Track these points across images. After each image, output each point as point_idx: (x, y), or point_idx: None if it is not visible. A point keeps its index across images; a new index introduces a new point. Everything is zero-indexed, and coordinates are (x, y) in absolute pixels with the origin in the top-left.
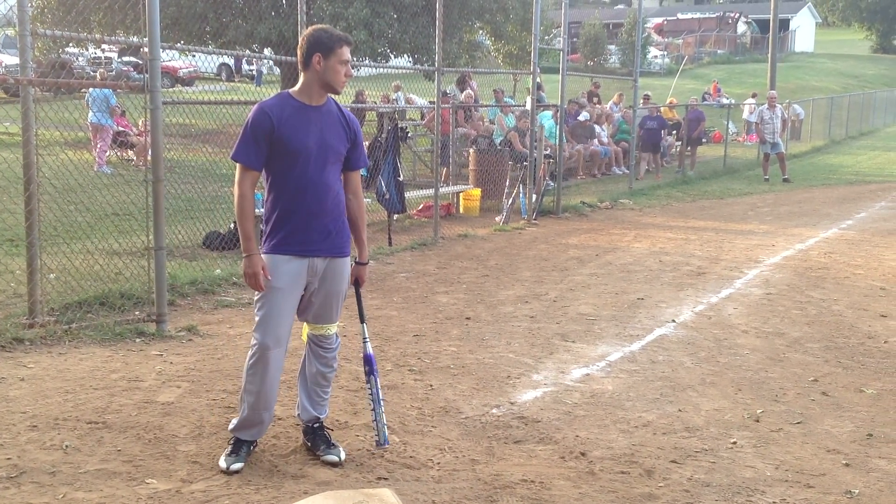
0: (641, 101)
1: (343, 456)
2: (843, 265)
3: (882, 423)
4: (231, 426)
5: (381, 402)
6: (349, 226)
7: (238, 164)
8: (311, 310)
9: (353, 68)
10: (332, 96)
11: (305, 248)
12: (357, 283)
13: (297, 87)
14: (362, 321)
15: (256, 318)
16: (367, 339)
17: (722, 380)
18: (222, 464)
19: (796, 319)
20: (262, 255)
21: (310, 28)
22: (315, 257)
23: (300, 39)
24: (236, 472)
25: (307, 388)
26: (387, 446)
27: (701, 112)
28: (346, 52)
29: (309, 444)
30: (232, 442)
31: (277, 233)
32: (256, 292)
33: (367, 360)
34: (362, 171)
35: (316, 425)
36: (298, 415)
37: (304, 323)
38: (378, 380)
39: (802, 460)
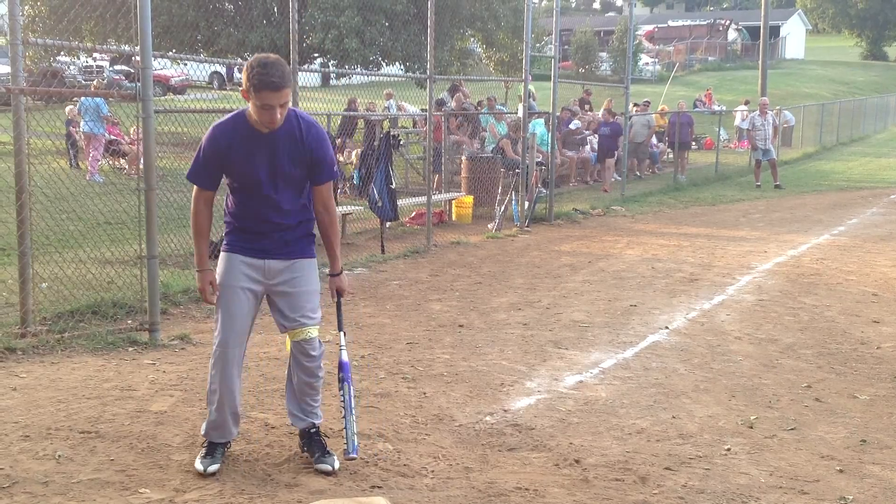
0: (634, 108)
1: (337, 465)
2: (836, 271)
3: (875, 429)
4: (202, 430)
5: (353, 411)
6: (322, 237)
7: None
8: (282, 312)
9: (344, 76)
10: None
11: (261, 253)
12: (338, 293)
13: (250, 109)
14: (340, 329)
15: (216, 319)
16: (344, 347)
17: (715, 386)
18: (199, 466)
19: (789, 325)
20: (221, 253)
21: (255, 56)
22: (271, 259)
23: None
24: (213, 473)
25: (296, 398)
26: (354, 456)
27: (689, 116)
28: (265, 97)
29: (305, 450)
30: (205, 445)
31: (234, 233)
32: (216, 298)
33: (342, 367)
34: (354, 179)
35: (312, 430)
36: (292, 423)
37: (287, 334)
38: (352, 388)
39: (796, 467)
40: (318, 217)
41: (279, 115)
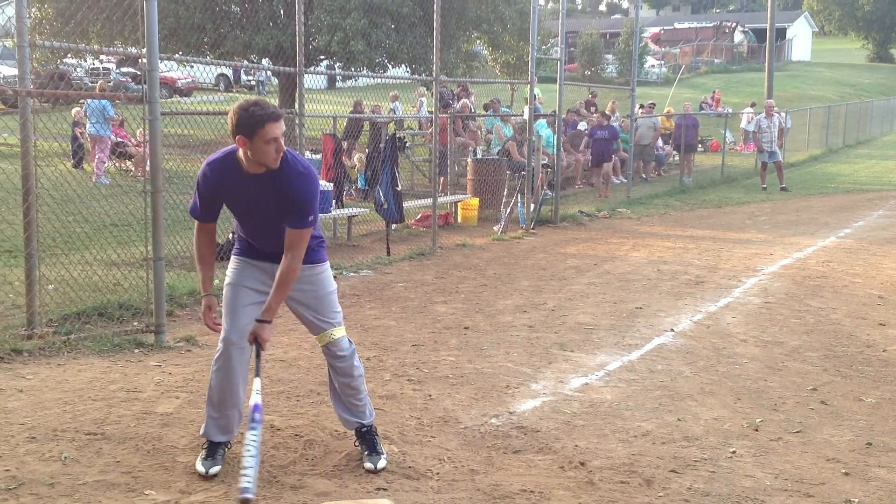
0: (639, 110)
1: (381, 465)
2: (842, 274)
3: (881, 432)
4: (202, 430)
5: (258, 454)
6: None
7: None
8: (304, 319)
9: (350, 79)
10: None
11: (271, 258)
12: (256, 342)
13: (240, 152)
14: (256, 375)
15: (222, 316)
16: (258, 392)
17: (721, 389)
18: (200, 468)
19: (795, 328)
20: (231, 257)
21: (236, 105)
22: (276, 264)
23: (229, 113)
24: (214, 475)
25: (341, 401)
26: (250, 498)
27: (695, 118)
28: (270, 130)
29: (360, 448)
30: (205, 446)
31: (241, 243)
32: (224, 293)
33: (255, 409)
34: (359, 183)
35: (363, 429)
36: (343, 426)
37: (316, 339)
38: (259, 434)
39: (802, 469)
40: (282, 256)
41: (282, 144)
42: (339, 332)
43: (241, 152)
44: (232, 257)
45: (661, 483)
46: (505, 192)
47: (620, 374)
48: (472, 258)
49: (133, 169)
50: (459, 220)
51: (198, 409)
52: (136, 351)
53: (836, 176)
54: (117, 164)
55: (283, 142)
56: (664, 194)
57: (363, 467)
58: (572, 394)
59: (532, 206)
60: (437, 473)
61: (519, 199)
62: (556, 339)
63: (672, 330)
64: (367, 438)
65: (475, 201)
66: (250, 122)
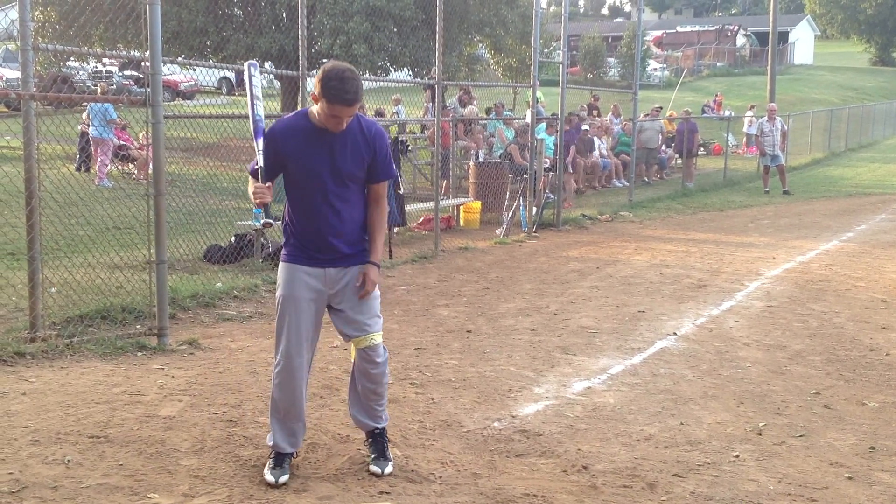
0: (642, 114)
1: (388, 470)
2: (845, 277)
3: (885, 436)
4: (269, 441)
5: None
6: (368, 228)
7: None
8: (344, 320)
9: None
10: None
11: (321, 262)
12: (364, 282)
13: (313, 108)
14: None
15: (277, 328)
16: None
17: (724, 393)
18: (269, 478)
19: (798, 332)
20: (281, 263)
21: (331, 65)
22: (331, 267)
23: (322, 67)
24: (284, 484)
25: (360, 405)
26: None
27: (694, 124)
28: (336, 110)
29: (368, 447)
30: (272, 455)
31: (293, 242)
32: (277, 304)
33: None
34: None
35: (377, 432)
36: (357, 426)
37: (351, 342)
38: None
39: (805, 474)
40: (368, 210)
41: (346, 123)
42: (379, 338)
43: (315, 109)
44: (281, 264)
45: (664, 487)
46: (507, 196)
47: (623, 377)
48: (474, 261)
49: (136, 172)
50: (462, 223)
51: (200, 412)
52: (139, 354)
53: (838, 179)
54: (120, 167)
55: (346, 122)
56: (666, 197)
57: (368, 471)
58: (575, 397)
59: (534, 209)
60: (440, 477)
61: (521, 203)
62: (558, 342)
63: (675, 333)
64: (379, 442)
65: (477, 205)
66: (325, 92)
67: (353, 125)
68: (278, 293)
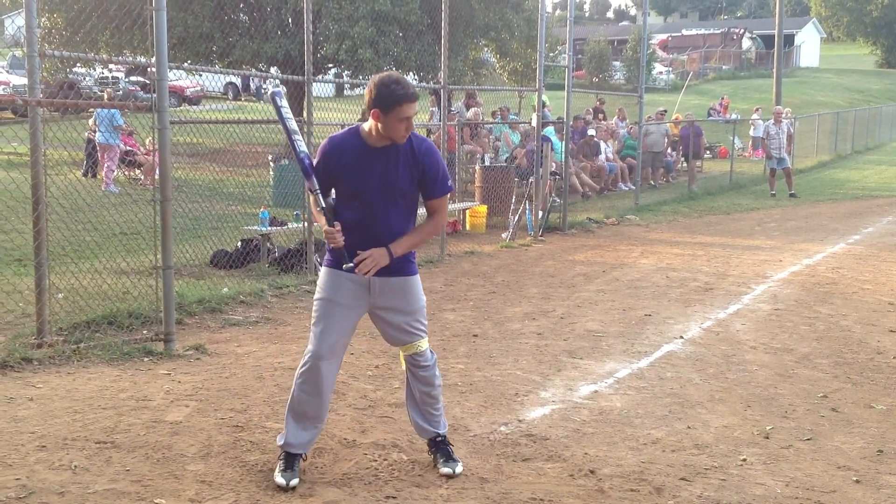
0: (645, 117)
1: (458, 470)
2: (851, 280)
3: (892, 439)
4: (280, 441)
5: None
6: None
7: None
8: (388, 330)
9: (358, 87)
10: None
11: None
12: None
13: (365, 126)
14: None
15: (312, 329)
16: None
17: (731, 396)
18: (280, 480)
19: (805, 335)
20: (323, 268)
21: (378, 76)
22: (375, 277)
23: (369, 84)
24: (294, 487)
25: (419, 410)
26: None
27: (699, 127)
28: (405, 110)
29: (433, 456)
30: (282, 457)
31: (334, 252)
32: (314, 306)
33: None
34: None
35: (438, 439)
36: (418, 434)
37: (399, 349)
38: None
39: (813, 477)
40: (427, 217)
41: (412, 126)
42: (425, 344)
43: (367, 126)
44: (323, 269)
45: (672, 491)
46: (513, 200)
47: (630, 381)
48: (480, 265)
49: (142, 177)
50: (468, 227)
51: (207, 417)
52: (146, 359)
53: (845, 182)
54: (126, 173)
55: (413, 122)
56: (672, 201)
57: (440, 472)
58: (581, 401)
59: (540, 213)
60: (447, 482)
61: (527, 207)
62: (565, 346)
63: (681, 337)
64: (442, 448)
65: (483, 209)
66: (390, 99)
67: (406, 143)
68: (318, 296)
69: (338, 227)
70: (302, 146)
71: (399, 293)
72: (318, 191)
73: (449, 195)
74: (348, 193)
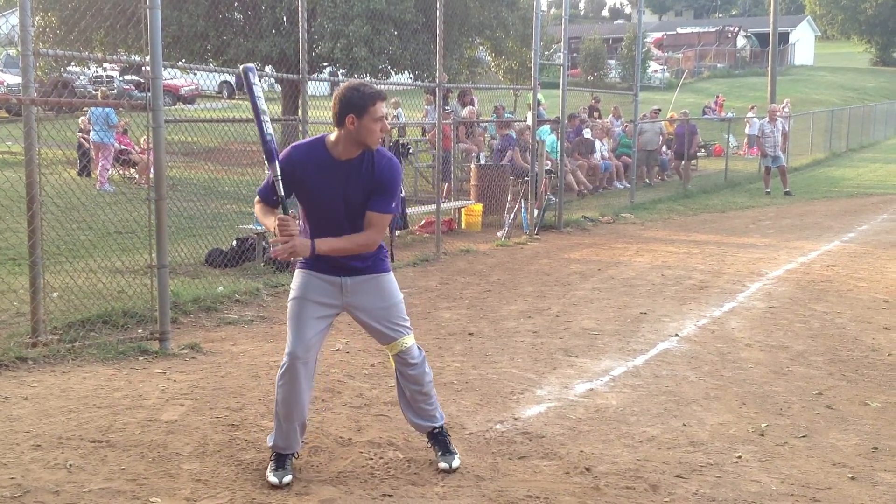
0: (641, 116)
1: (455, 464)
2: (846, 278)
3: (887, 437)
4: (269, 441)
5: None
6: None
7: None
8: (373, 329)
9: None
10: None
11: (337, 271)
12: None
13: (331, 137)
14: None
15: (288, 330)
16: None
17: (726, 394)
18: (273, 479)
19: (800, 333)
20: (297, 271)
21: (342, 86)
22: (347, 277)
23: (334, 97)
24: (288, 484)
25: (412, 407)
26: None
27: (694, 126)
28: (379, 109)
29: (431, 447)
30: (273, 457)
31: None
32: (288, 307)
33: None
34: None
35: (436, 431)
36: (415, 429)
37: (386, 349)
38: None
39: (808, 474)
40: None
41: (386, 128)
42: (410, 341)
43: (333, 138)
44: (297, 271)
45: (667, 488)
46: (508, 198)
47: (625, 379)
48: (476, 264)
49: (137, 176)
50: (463, 225)
51: (202, 416)
52: (141, 358)
53: (839, 180)
54: (121, 172)
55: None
56: (668, 199)
57: (437, 468)
58: (577, 399)
59: (536, 211)
60: (443, 480)
61: (522, 205)
62: (560, 344)
63: (677, 335)
64: (440, 440)
65: (479, 207)
66: (362, 101)
67: (365, 159)
68: (290, 296)
69: (293, 214)
70: (269, 129)
71: (371, 291)
72: (280, 178)
73: (390, 219)
74: (311, 204)
